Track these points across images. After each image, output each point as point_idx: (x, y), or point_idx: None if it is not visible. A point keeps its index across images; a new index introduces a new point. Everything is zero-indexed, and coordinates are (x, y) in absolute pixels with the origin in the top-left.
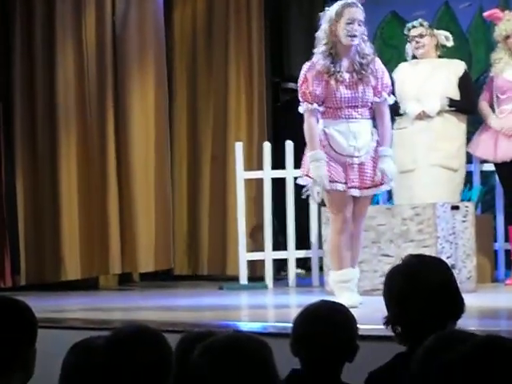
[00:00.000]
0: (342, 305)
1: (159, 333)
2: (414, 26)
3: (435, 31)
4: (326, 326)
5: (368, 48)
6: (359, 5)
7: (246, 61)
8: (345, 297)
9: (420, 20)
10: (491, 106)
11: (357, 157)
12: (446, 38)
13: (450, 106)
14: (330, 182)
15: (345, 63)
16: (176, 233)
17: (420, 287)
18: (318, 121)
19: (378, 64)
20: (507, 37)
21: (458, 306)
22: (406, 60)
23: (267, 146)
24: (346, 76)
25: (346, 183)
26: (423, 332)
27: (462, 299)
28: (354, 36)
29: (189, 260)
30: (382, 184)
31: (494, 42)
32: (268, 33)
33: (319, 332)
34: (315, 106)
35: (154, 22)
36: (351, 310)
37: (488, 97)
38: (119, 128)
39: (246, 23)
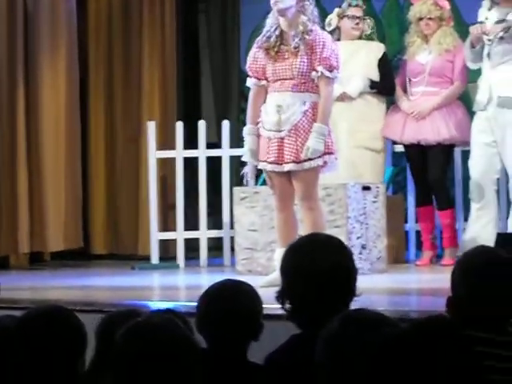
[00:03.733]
0: (246, 284)
1: (71, 312)
2: (357, 5)
3: (366, 17)
4: (228, 305)
5: (308, 17)
6: None
7: (160, 40)
8: (271, 275)
9: (362, 0)
10: (405, 89)
11: (278, 131)
12: (368, 25)
13: (371, 87)
14: (259, 160)
15: (285, 36)
16: (92, 212)
17: (306, 266)
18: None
19: (320, 37)
20: (420, 19)
21: (348, 291)
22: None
23: (180, 126)
24: (283, 49)
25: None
26: (313, 312)
27: (354, 284)
28: (275, 4)
29: (105, 239)
30: (305, 161)
31: (407, 24)
32: (181, 10)
33: (221, 310)
34: (253, 80)
35: (67, 2)
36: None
37: (402, 80)
38: (29, 107)
39: (161, 2)
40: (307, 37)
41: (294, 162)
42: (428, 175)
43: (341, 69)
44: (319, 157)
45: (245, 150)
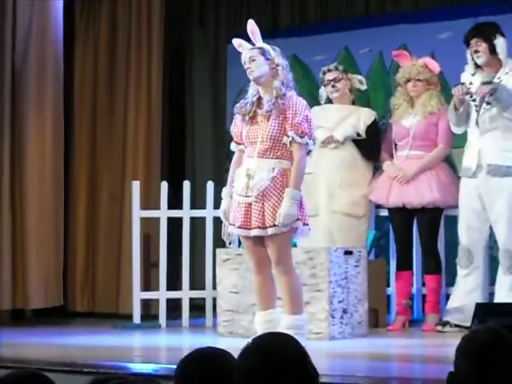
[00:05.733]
0: (227, 353)
1: (46, 377)
2: (329, 70)
3: (349, 75)
4: (205, 371)
5: (282, 81)
6: (246, 45)
7: (146, 100)
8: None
9: (335, 63)
10: (391, 153)
11: (247, 196)
12: (360, 81)
13: (356, 141)
14: (230, 223)
15: (262, 101)
16: (73, 270)
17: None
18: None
19: (293, 102)
20: (408, 80)
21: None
22: (319, 103)
23: (164, 186)
24: (258, 113)
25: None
26: None
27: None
28: (250, 73)
29: (84, 297)
30: (271, 226)
31: (392, 88)
32: (168, 71)
33: (198, 377)
34: (233, 144)
35: (54, 60)
36: None
37: (388, 143)
38: (15, 165)
39: (147, 62)
40: (280, 101)
41: (259, 227)
42: (420, 240)
43: (313, 135)
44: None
45: (220, 211)
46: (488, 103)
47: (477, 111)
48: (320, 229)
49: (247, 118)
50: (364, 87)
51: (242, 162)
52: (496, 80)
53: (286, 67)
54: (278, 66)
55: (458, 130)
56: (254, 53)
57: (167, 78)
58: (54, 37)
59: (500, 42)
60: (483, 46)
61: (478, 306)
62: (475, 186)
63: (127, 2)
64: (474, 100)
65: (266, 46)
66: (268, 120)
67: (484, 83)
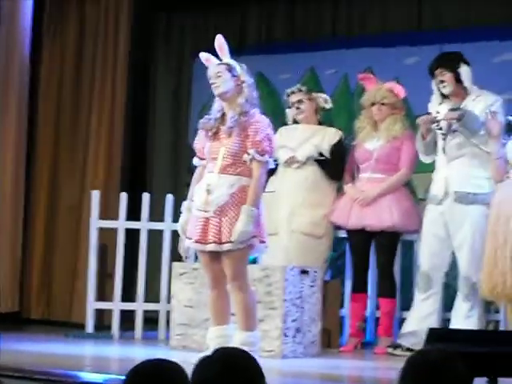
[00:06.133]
0: (174, 364)
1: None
2: (292, 92)
3: (314, 94)
4: (153, 382)
5: (247, 98)
6: (213, 60)
7: (109, 110)
8: (204, 353)
9: (298, 85)
10: (353, 175)
11: (206, 211)
12: (324, 100)
13: (319, 161)
14: (187, 237)
15: (225, 118)
16: (29, 276)
17: None
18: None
19: (255, 120)
20: (373, 104)
21: None
22: (283, 122)
23: (123, 196)
24: (221, 129)
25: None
26: None
27: None
28: (215, 88)
29: (40, 305)
30: (227, 242)
31: (356, 111)
32: (132, 83)
33: None
34: (195, 159)
35: (20, 70)
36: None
37: (350, 166)
38: None
39: (112, 75)
40: (242, 118)
41: (215, 242)
42: (376, 262)
43: (274, 154)
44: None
45: (178, 225)
46: (454, 131)
47: (443, 139)
48: (279, 247)
49: (210, 133)
50: (329, 106)
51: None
52: (463, 105)
53: (251, 85)
54: (243, 83)
55: (426, 160)
56: (221, 68)
57: (131, 91)
58: (21, 44)
59: (464, 71)
60: (448, 76)
61: (430, 330)
62: (440, 212)
63: (95, 12)
64: (441, 128)
65: (233, 63)
66: (230, 136)
67: (452, 109)
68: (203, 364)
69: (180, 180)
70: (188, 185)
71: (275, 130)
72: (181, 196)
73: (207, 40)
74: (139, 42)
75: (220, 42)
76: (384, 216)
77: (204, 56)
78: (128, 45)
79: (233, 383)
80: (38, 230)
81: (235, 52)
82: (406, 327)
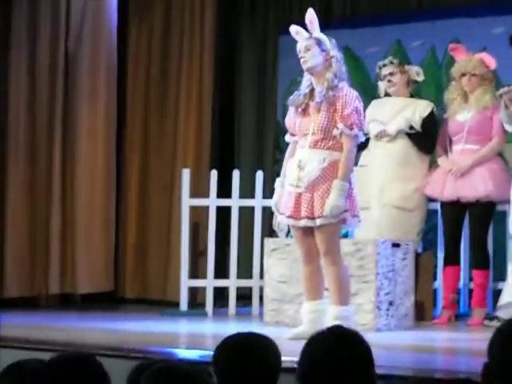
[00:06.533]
0: (262, 338)
1: (95, 360)
2: (384, 65)
3: (406, 67)
4: (240, 358)
5: (335, 73)
6: (304, 34)
7: (197, 90)
8: (298, 328)
9: (390, 58)
10: (446, 147)
11: (298, 186)
12: (416, 73)
13: (410, 134)
14: (280, 213)
15: (314, 93)
16: (123, 256)
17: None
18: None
19: (343, 94)
20: (463, 75)
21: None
22: (378, 96)
23: (214, 174)
24: (310, 105)
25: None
26: None
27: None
28: (304, 63)
29: (135, 284)
30: (319, 217)
31: (444, 82)
32: (219, 61)
33: (234, 363)
34: (287, 136)
35: (108, 48)
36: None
37: (443, 138)
38: (66, 152)
39: (199, 52)
40: (330, 93)
41: (308, 217)
42: (470, 234)
43: (364, 127)
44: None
45: (271, 201)
46: None
47: None
48: (371, 222)
49: (300, 109)
50: (421, 78)
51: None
52: None
53: (340, 60)
54: (332, 57)
55: (510, 128)
56: (310, 42)
57: (218, 70)
58: (108, 23)
59: None
60: None
61: None
62: None
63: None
64: None
65: (323, 37)
66: (319, 112)
67: None
68: (316, 339)
69: (267, 157)
70: (277, 161)
71: (364, 103)
72: (269, 173)
73: (291, 16)
74: (224, 21)
75: (311, 15)
76: (479, 186)
77: (294, 29)
78: (215, 19)
79: (343, 360)
80: (130, 210)
81: (321, 26)
82: (502, 299)
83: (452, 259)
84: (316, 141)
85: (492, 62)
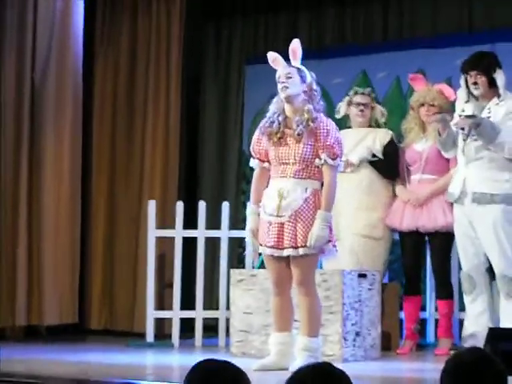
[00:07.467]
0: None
1: None
2: (362, 93)
3: (375, 104)
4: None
5: (314, 106)
6: (282, 62)
7: (163, 121)
8: (265, 359)
9: (369, 89)
10: (404, 177)
11: (279, 216)
12: (382, 113)
13: (372, 159)
14: (259, 243)
15: (289, 121)
16: (89, 287)
17: None
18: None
19: (324, 125)
20: (422, 105)
21: None
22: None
23: (180, 206)
24: (286, 133)
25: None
26: None
27: None
28: (284, 89)
29: (101, 315)
30: (302, 247)
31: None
32: (185, 92)
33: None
34: (257, 161)
35: (74, 79)
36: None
37: (401, 168)
38: (32, 183)
39: (165, 84)
40: (312, 124)
41: (292, 247)
42: (431, 265)
43: (344, 156)
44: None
45: (246, 230)
46: (473, 135)
47: (464, 140)
48: (344, 251)
49: (275, 138)
50: (383, 120)
51: (265, 179)
52: (486, 110)
53: (319, 93)
54: (314, 90)
55: (447, 155)
56: (292, 70)
57: (184, 99)
58: (74, 55)
59: (499, 76)
60: (483, 80)
61: (490, 330)
62: (463, 213)
63: (147, 20)
64: (463, 129)
65: (304, 69)
66: (298, 142)
67: (467, 116)
68: (302, 371)
69: (231, 187)
70: (243, 192)
71: None
72: (233, 203)
73: (258, 46)
74: (190, 54)
75: (295, 45)
76: (438, 217)
77: (272, 56)
78: (180, 54)
79: None
80: (97, 241)
81: (287, 57)
82: (465, 331)
83: (412, 289)
84: (297, 170)
85: (451, 94)
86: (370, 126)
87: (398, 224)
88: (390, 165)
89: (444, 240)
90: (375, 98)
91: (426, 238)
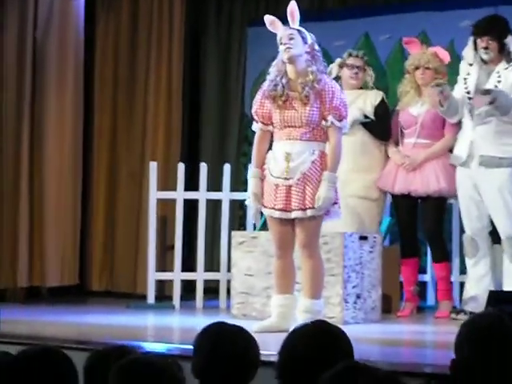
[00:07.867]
0: (244, 330)
1: (63, 354)
2: (356, 56)
3: (367, 68)
4: (234, 352)
5: (318, 67)
6: (280, 24)
7: (166, 82)
8: (266, 320)
9: (363, 52)
10: (398, 140)
11: (287, 179)
12: (371, 76)
13: (365, 123)
14: (262, 205)
15: (292, 84)
16: (91, 249)
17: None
18: (269, 142)
19: (329, 86)
20: (417, 68)
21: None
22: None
23: (181, 167)
24: (291, 96)
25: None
26: None
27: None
28: (287, 51)
29: (102, 277)
30: (310, 208)
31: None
32: (188, 54)
33: (226, 358)
34: (260, 125)
35: (75, 40)
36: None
37: (395, 131)
38: (34, 144)
39: (168, 44)
40: (317, 86)
41: (300, 209)
42: (423, 227)
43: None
44: (325, 206)
45: (248, 193)
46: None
47: (470, 103)
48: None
49: (279, 101)
50: (371, 85)
51: (267, 142)
52: (495, 75)
53: (321, 54)
54: (316, 51)
55: (452, 121)
56: (293, 32)
57: (187, 59)
58: (75, 19)
59: (510, 41)
60: (494, 45)
61: (491, 293)
62: (469, 176)
63: None
64: (469, 92)
65: (304, 30)
66: (305, 104)
67: (482, 92)
68: (299, 330)
69: (232, 149)
70: (245, 154)
71: None
72: (234, 165)
73: (258, 9)
74: (192, 13)
75: (292, 7)
76: (430, 182)
77: (269, 19)
78: (182, 16)
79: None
80: (98, 203)
81: (287, 19)
82: (466, 293)
83: (409, 251)
84: (304, 133)
85: (446, 56)
86: (360, 89)
87: (391, 187)
88: (381, 126)
89: (437, 204)
90: (367, 62)
91: (419, 201)
